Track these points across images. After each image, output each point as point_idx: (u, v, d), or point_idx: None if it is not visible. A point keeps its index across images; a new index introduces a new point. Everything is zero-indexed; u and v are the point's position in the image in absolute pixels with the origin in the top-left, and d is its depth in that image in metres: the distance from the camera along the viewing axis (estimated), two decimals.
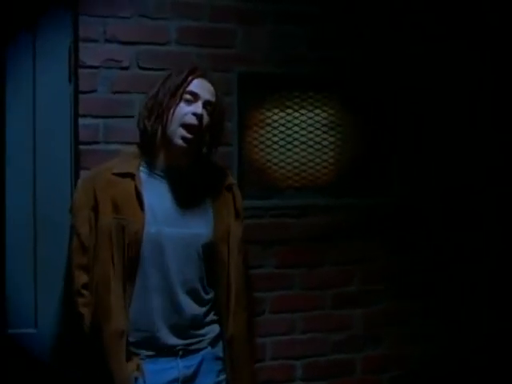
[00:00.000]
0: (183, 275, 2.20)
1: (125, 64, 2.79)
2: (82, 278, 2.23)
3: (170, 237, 2.17)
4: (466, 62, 3.22)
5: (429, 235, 3.25)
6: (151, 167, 2.24)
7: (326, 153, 3.18)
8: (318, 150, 3.16)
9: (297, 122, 3.13)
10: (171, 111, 2.19)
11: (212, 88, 2.26)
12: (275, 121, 3.09)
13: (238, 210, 2.38)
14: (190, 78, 2.23)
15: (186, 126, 2.19)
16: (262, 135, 3.07)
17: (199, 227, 2.24)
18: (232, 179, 2.44)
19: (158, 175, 2.24)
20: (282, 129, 3.11)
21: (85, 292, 2.24)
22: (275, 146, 3.10)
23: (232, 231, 2.31)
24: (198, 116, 2.18)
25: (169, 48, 2.85)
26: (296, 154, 3.12)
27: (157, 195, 2.20)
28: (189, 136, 2.19)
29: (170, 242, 2.17)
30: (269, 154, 3.08)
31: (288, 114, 3.11)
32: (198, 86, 2.23)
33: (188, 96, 2.20)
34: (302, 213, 3.06)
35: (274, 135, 3.09)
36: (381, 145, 3.21)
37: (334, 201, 3.14)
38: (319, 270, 3.09)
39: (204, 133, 2.27)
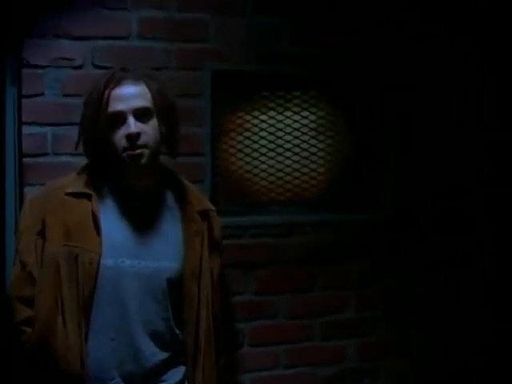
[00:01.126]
0: (145, 315, 1.93)
1: (77, 62, 2.51)
2: (22, 312, 1.93)
3: (130, 270, 1.90)
4: (456, 61, 2.99)
5: (430, 252, 2.99)
6: (110, 188, 1.97)
7: (314, 161, 2.89)
8: (305, 157, 2.88)
9: (281, 125, 2.84)
10: (106, 142, 1.90)
11: (140, 87, 1.91)
12: (255, 125, 2.81)
13: (216, 242, 2.10)
14: (105, 97, 1.87)
15: (128, 150, 1.89)
16: (239, 142, 2.78)
17: (165, 259, 1.96)
18: (209, 204, 2.14)
19: (119, 197, 1.97)
20: (264, 134, 2.82)
21: (26, 328, 1.92)
22: (256, 154, 2.81)
23: (205, 266, 2.02)
24: (133, 137, 1.86)
25: (130, 43, 2.57)
26: (280, 162, 2.85)
27: (116, 221, 1.94)
28: (136, 157, 1.89)
29: (129, 276, 1.90)
30: (248, 163, 2.80)
31: (270, 117, 2.83)
32: (118, 98, 1.88)
33: (112, 120, 1.88)
34: (287, 231, 2.79)
35: (255, 142, 2.81)
36: (373, 149, 2.96)
37: (324, 216, 2.87)
38: (307, 295, 2.82)
39: (158, 143, 1.93)
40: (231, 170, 2.78)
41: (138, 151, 1.88)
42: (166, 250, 1.98)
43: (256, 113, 2.80)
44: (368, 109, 2.93)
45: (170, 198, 2.05)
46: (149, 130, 1.90)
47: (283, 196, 2.85)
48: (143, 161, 1.89)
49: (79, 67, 2.51)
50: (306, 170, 2.88)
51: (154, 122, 1.91)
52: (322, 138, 2.89)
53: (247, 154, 2.80)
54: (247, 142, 2.80)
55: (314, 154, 2.88)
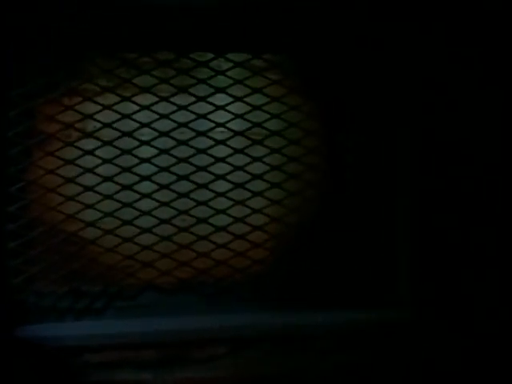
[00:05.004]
0: None
1: None
2: None
3: None
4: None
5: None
6: None
7: (247, 199, 1.55)
8: (223, 193, 1.55)
9: (166, 124, 1.53)
10: None
11: None
12: (107, 125, 1.50)
13: None
14: None
15: None
16: (68, 161, 1.49)
17: None
18: None
19: None
20: (126, 142, 1.51)
21: None
22: (107, 187, 1.49)
23: None
24: None
25: None
26: (165, 205, 1.54)
27: None
28: None
29: None
30: (91, 205, 1.48)
31: (142, 108, 1.51)
32: None
33: None
34: (180, 353, 1.45)
35: (105, 160, 1.51)
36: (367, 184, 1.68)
37: (268, 320, 1.56)
38: None
39: None
40: (42, 218, 1.45)
41: None
42: None
43: (108, 98, 1.50)
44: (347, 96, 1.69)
45: None
46: None
47: (173, 276, 1.53)
48: None
49: None
50: (226, 219, 1.53)
51: None
52: (261, 152, 1.53)
53: (86, 187, 1.46)
54: (89, 161, 1.48)
55: (244, 184, 1.51)
